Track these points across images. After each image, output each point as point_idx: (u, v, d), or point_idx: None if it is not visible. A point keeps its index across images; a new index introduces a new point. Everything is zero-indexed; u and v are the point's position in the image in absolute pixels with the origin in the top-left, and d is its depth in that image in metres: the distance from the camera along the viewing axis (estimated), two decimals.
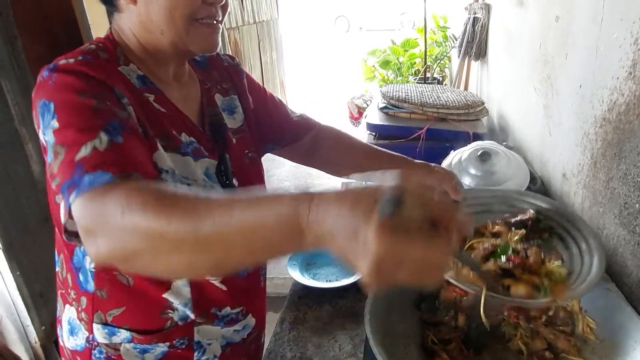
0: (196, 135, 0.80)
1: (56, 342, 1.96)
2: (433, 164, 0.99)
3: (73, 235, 0.59)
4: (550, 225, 0.79)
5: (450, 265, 0.57)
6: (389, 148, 1.09)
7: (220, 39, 0.77)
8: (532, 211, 0.81)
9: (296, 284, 1.19)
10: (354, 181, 1.31)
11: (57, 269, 0.84)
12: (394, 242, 0.40)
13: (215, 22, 0.75)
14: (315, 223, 0.44)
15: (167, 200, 0.50)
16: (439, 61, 4.47)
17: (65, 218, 0.57)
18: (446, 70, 4.63)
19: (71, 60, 0.66)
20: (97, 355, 0.80)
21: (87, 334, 0.80)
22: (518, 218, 0.78)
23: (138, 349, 0.79)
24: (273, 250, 0.49)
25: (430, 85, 2.89)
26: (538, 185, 1.56)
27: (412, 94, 2.35)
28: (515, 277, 0.65)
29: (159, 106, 0.75)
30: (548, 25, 1.66)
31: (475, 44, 2.89)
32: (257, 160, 0.96)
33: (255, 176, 0.93)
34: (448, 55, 4.42)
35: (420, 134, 2.19)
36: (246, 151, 0.91)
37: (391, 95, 2.31)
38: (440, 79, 4.32)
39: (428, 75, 4.24)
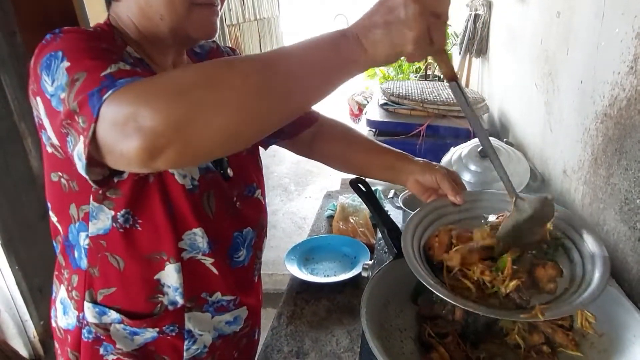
0: None
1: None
2: (435, 163, 0.96)
3: (96, 166, 0.55)
4: (556, 235, 0.75)
5: None
6: (389, 144, 1.08)
7: (218, 23, 0.77)
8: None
9: (294, 279, 1.19)
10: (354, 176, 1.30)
11: (57, 253, 0.84)
12: None
13: (213, 5, 0.74)
14: (363, 26, 0.55)
15: (230, 60, 0.55)
16: None
17: (86, 139, 0.51)
18: None
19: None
20: (86, 335, 0.80)
21: (77, 312, 0.80)
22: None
23: (127, 331, 0.80)
24: (332, 72, 0.56)
25: (431, 82, 2.88)
26: (538, 181, 1.55)
27: (413, 91, 2.35)
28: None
29: None
30: (549, 21, 1.65)
31: (476, 41, 2.88)
32: (255, 153, 0.95)
33: (252, 169, 0.93)
34: (449, 52, 4.41)
35: (421, 131, 2.19)
36: None
37: (392, 91, 2.31)
38: (441, 76, 4.31)
39: (429, 72, 4.22)
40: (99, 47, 0.61)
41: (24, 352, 1.94)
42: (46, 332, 1.95)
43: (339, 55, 0.55)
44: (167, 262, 0.77)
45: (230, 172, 0.84)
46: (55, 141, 0.65)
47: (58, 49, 0.60)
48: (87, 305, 0.78)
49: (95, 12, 2.05)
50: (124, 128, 0.48)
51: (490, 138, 1.75)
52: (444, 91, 2.39)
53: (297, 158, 4.56)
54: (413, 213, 0.80)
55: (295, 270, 1.21)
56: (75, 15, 2.01)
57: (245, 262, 0.89)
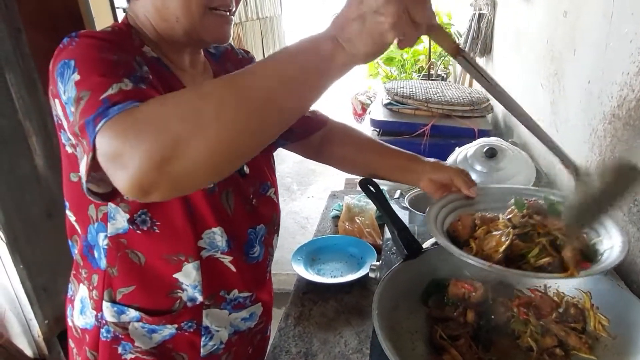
0: None
1: (59, 336, 1.96)
2: (443, 162, 0.98)
3: (95, 194, 0.59)
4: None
5: None
6: (393, 144, 1.08)
7: (231, 30, 0.77)
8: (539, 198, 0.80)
9: (300, 280, 1.19)
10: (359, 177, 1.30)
11: (74, 252, 0.84)
12: None
13: (227, 12, 0.76)
14: (338, 24, 0.53)
15: (204, 83, 0.56)
16: (443, 58, 4.45)
17: (87, 164, 0.54)
18: (450, 67, 4.61)
19: (93, 31, 0.67)
20: (105, 334, 0.81)
21: (95, 312, 0.81)
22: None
23: (146, 329, 0.81)
24: (313, 75, 0.54)
25: (435, 81, 2.87)
26: (544, 182, 1.55)
27: (417, 91, 2.34)
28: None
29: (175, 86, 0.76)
30: (555, 20, 1.64)
31: (481, 41, 2.88)
32: (269, 153, 0.96)
33: (267, 167, 0.93)
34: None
35: (425, 131, 2.18)
36: None
37: (396, 91, 2.30)
38: (445, 75, 4.30)
39: (432, 72, 4.22)
40: (109, 59, 0.61)
41: (28, 351, 1.94)
42: (51, 331, 1.95)
43: (317, 59, 0.53)
44: (185, 262, 0.78)
45: (246, 169, 0.85)
46: (74, 141, 0.66)
47: (71, 57, 0.61)
48: (106, 305, 0.79)
49: (99, 9, 2.05)
50: (114, 163, 0.50)
51: (495, 138, 1.76)
52: (448, 91, 2.38)
53: (299, 157, 4.55)
54: (431, 205, 0.83)
55: (302, 271, 1.20)
56: (80, 13, 2.00)
57: (260, 258, 0.90)
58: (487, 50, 2.87)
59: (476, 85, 3.23)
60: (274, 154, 1.02)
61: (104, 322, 0.80)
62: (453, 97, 2.26)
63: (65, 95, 0.59)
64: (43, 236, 1.83)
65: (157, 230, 0.74)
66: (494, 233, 0.72)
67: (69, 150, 0.72)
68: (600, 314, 0.71)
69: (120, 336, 0.81)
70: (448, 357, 0.68)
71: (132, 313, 0.79)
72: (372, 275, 1.05)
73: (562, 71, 1.57)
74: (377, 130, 2.21)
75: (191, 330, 0.82)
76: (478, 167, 1.52)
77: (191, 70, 0.82)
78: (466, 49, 3.06)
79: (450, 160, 1.60)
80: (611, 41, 1.20)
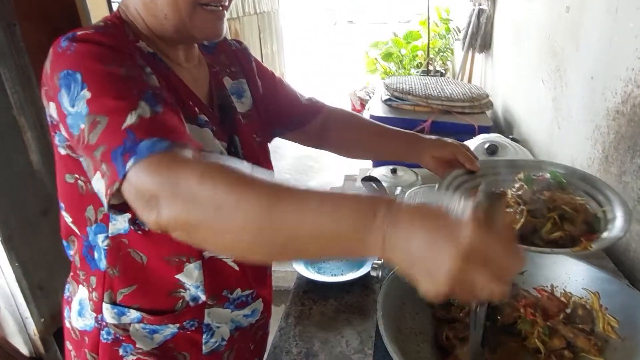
0: (207, 115, 0.79)
1: (55, 335, 1.94)
2: (445, 138, 0.99)
3: (116, 207, 0.58)
4: (573, 188, 0.81)
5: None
6: None
7: (225, 26, 0.75)
8: (548, 174, 0.81)
9: (301, 278, 1.17)
10: (357, 173, 1.28)
11: (70, 253, 0.82)
12: (487, 235, 0.41)
13: (220, 7, 0.73)
14: (390, 227, 0.44)
15: (245, 178, 0.51)
16: (441, 54, 4.43)
17: (109, 188, 0.55)
18: (448, 63, 4.59)
19: (89, 31, 0.65)
20: (105, 337, 0.79)
21: (95, 314, 0.79)
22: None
23: (147, 330, 0.79)
24: (335, 251, 0.50)
25: (434, 77, 2.85)
26: None
27: (416, 86, 2.32)
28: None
29: (174, 81, 0.75)
30: (557, 15, 1.63)
31: (480, 36, 2.86)
32: (265, 146, 0.95)
33: (264, 160, 0.92)
34: (451, 47, 4.38)
35: (425, 127, 2.17)
36: (254, 135, 0.90)
37: (395, 87, 2.28)
38: (443, 71, 4.28)
39: (430, 68, 4.20)
40: (117, 74, 0.60)
41: (24, 349, 1.92)
42: (47, 330, 1.93)
43: (355, 245, 0.46)
44: (187, 263, 0.76)
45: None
46: (82, 153, 0.64)
47: (76, 69, 0.59)
48: (106, 307, 0.77)
49: (95, 3, 2.02)
50: (145, 203, 0.52)
51: (495, 135, 1.74)
52: (447, 86, 2.36)
53: (298, 154, 4.53)
54: (439, 183, 0.84)
55: (302, 269, 1.19)
56: (76, 7, 1.97)
57: None
58: (486, 46, 2.85)
59: (475, 81, 3.21)
60: (274, 151, 1.01)
61: (104, 323, 0.79)
62: (453, 93, 2.24)
63: (73, 108, 0.59)
64: (38, 233, 1.81)
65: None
66: (507, 210, 0.72)
67: (63, 152, 0.69)
68: (609, 315, 0.70)
69: (121, 338, 0.79)
70: (453, 359, 0.67)
71: (133, 314, 0.77)
72: (373, 274, 1.04)
73: (564, 67, 1.56)
74: None
75: (193, 328, 0.81)
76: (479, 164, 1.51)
77: (186, 64, 0.80)
78: (466, 45, 3.05)
79: None
80: (615, 36, 1.18)
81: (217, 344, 0.84)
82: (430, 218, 0.43)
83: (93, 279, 0.78)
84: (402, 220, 0.44)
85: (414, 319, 0.76)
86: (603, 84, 1.25)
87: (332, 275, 1.18)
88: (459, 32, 3.56)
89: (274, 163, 0.99)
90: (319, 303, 1.08)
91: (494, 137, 1.74)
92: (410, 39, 4.81)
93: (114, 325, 0.78)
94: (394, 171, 1.71)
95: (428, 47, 4.25)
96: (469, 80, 3.24)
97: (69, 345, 0.86)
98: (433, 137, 0.99)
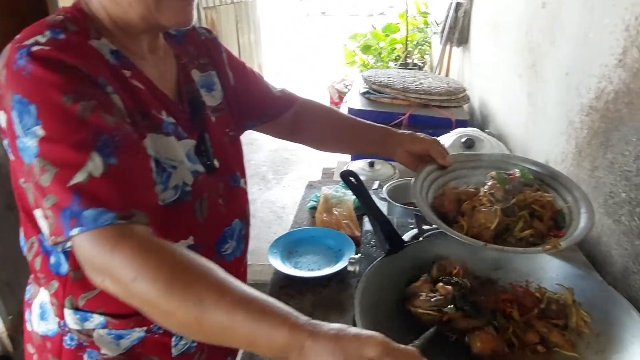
0: (175, 113, 0.75)
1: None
2: (417, 133, 1.00)
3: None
4: (539, 184, 0.84)
5: None
6: None
7: (194, 12, 0.72)
8: (517, 171, 0.83)
9: (277, 273, 1.15)
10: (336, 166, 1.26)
11: (29, 255, 0.78)
12: None
13: None
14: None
15: (181, 277, 0.54)
16: (419, 47, 4.45)
17: (53, 238, 0.58)
18: (426, 56, 4.61)
19: (46, 47, 0.60)
20: (69, 342, 0.76)
21: (57, 319, 0.75)
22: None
23: (113, 335, 0.75)
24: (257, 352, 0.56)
25: (412, 70, 2.86)
26: None
27: (395, 79, 2.32)
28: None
29: (137, 82, 0.71)
30: (534, 11, 1.64)
31: (458, 30, 2.87)
32: (237, 140, 0.92)
33: (235, 157, 0.90)
34: (429, 41, 4.40)
35: (402, 120, 2.17)
36: (226, 130, 0.87)
37: (373, 80, 2.27)
38: (421, 64, 4.30)
39: (409, 61, 4.21)
40: (74, 113, 0.58)
41: None
42: (15, 328, 1.87)
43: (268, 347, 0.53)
44: None
45: (216, 162, 0.81)
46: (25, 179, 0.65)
47: (31, 101, 0.57)
48: (68, 312, 0.74)
49: None
50: (92, 269, 0.57)
51: (472, 129, 1.75)
52: (425, 80, 2.37)
53: (275, 146, 4.49)
54: (414, 178, 0.87)
55: (279, 264, 1.17)
56: (45, 1, 1.90)
57: (238, 254, 0.87)
58: (464, 40, 2.87)
59: (452, 75, 3.24)
60: (250, 143, 0.98)
61: (67, 329, 0.75)
62: (430, 86, 2.25)
63: (25, 138, 0.58)
64: (5, 229, 1.74)
65: None
66: (481, 209, 0.74)
67: (12, 157, 0.65)
68: (582, 310, 0.71)
69: (84, 344, 0.75)
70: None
71: (97, 319, 0.74)
72: (350, 268, 1.03)
73: (540, 62, 1.57)
74: None
75: (161, 331, 0.78)
76: None
77: (151, 57, 0.76)
78: (443, 39, 3.06)
79: None
80: (591, 33, 1.20)
81: (187, 346, 0.81)
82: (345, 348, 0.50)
83: (53, 283, 0.74)
84: (321, 339, 0.51)
85: (391, 315, 0.75)
86: (577, 80, 1.27)
87: (309, 270, 1.17)
88: (437, 25, 3.57)
89: (250, 156, 0.98)
90: (295, 298, 1.07)
91: (471, 131, 1.75)
92: (389, 32, 4.81)
93: (77, 331, 0.74)
94: (371, 164, 1.71)
95: (406, 40, 4.26)
96: (447, 74, 3.26)
97: (30, 349, 0.82)
98: (406, 132, 0.99)
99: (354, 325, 0.67)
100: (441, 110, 2.17)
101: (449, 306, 0.72)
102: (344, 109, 2.40)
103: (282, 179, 4.00)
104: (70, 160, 0.57)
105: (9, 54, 0.60)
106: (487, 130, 1.85)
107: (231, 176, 0.86)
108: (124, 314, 0.74)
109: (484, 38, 2.51)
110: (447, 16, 2.97)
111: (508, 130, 1.95)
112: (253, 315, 0.52)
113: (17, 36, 0.62)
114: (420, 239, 0.99)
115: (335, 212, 1.40)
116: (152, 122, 0.70)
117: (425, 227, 1.02)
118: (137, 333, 0.76)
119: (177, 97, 0.79)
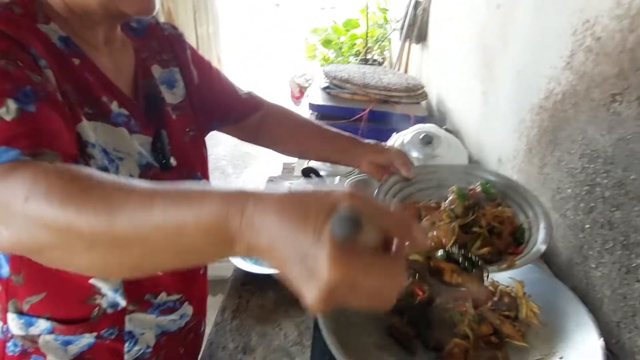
0: (128, 107, 0.73)
1: None
2: (383, 143, 1.02)
3: None
4: (499, 197, 0.86)
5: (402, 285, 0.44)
6: None
7: (157, 1, 0.69)
8: (479, 185, 0.86)
9: (237, 270, 1.14)
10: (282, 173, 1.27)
11: None
12: (350, 269, 0.35)
13: None
14: (249, 232, 0.38)
15: (78, 186, 0.43)
16: (379, 43, 4.49)
17: None
18: (386, 52, 4.67)
19: None
20: (12, 348, 0.72)
21: (0, 323, 0.72)
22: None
23: (60, 341, 0.72)
24: (199, 255, 0.43)
25: (372, 66, 2.89)
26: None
27: (355, 75, 2.33)
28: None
29: (86, 73, 0.68)
30: (489, 12, 1.69)
31: (417, 27, 2.92)
32: (200, 140, 0.90)
33: (196, 156, 0.87)
34: (388, 37, 4.45)
35: (363, 116, 2.19)
36: (187, 129, 0.85)
37: (334, 75, 2.28)
38: (381, 60, 4.35)
39: (369, 56, 4.25)
40: None
41: None
42: None
43: (214, 247, 0.41)
44: None
45: (173, 161, 0.78)
46: None
47: None
48: (11, 317, 0.70)
49: None
50: None
51: (430, 125, 1.79)
52: (385, 76, 2.40)
53: (235, 141, 4.42)
54: (377, 188, 0.88)
55: (239, 261, 1.16)
56: None
57: None
58: (422, 37, 2.92)
59: (411, 71, 3.29)
60: (210, 137, 0.97)
61: (10, 335, 0.71)
62: (390, 82, 2.28)
63: None
64: None
65: None
66: (440, 225, 0.75)
67: None
68: (532, 302, 0.75)
69: (29, 350, 0.72)
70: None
71: (43, 324, 0.70)
72: None
73: (494, 62, 1.63)
74: (316, 114, 2.19)
75: (112, 337, 0.75)
76: (415, 154, 1.55)
77: (106, 48, 0.73)
78: (403, 35, 3.10)
79: None
80: (541, 35, 1.25)
81: (141, 351, 0.79)
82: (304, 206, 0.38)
83: None
84: (269, 204, 0.38)
85: (354, 310, 0.76)
86: (528, 80, 1.32)
87: (270, 266, 1.17)
88: (397, 22, 3.62)
89: (210, 150, 0.95)
90: (256, 295, 1.06)
91: (429, 127, 1.79)
92: (349, 27, 4.83)
93: (21, 336, 0.71)
94: None
95: (367, 35, 4.29)
96: (405, 71, 3.32)
97: None
98: (372, 141, 1.02)
99: (317, 325, 0.67)
100: (400, 106, 2.20)
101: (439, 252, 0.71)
102: (305, 104, 2.39)
103: (242, 173, 3.96)
104: None
105: None
106: (444, 127, 1.90)
107: (191, 176, 0.84)
108: (72, 319, 0.71)
109: (442, 36, 2.57)
110: (407, 13, 3.01)
111: (463, 126, 2.01)
112: (173, 199, 0.41)
113: None
114: None
115: None
116: (100, 111, 0.68)
117: None
118: (87, 339, 0.73)
119: (133, 92, 0.76)
